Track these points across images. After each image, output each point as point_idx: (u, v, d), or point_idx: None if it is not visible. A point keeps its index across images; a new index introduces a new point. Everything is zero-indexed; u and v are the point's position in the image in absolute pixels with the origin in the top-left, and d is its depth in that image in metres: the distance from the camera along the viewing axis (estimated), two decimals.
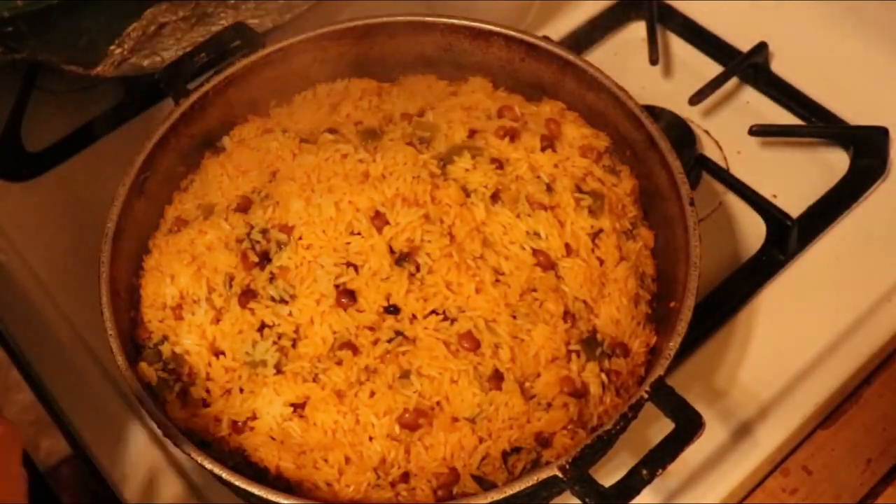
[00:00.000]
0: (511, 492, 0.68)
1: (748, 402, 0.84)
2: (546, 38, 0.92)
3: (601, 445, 0.70)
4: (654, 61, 1.07)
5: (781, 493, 0.83)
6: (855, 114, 1.01)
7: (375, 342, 0.75)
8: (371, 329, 0.76)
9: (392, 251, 0.77)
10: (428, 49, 0.93)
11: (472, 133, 0.85)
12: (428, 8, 1.04)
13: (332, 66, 0.93)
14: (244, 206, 0.83)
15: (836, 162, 0.99)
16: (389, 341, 0.75)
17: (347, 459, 0.73)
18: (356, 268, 0.77)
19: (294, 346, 0.76)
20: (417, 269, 0.77)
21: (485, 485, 0.73)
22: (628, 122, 0.86)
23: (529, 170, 0.82)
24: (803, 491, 0.83)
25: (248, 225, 0.81)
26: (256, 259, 0.79)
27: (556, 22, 1.10)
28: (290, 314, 0.77)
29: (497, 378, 0.74)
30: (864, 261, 0.92)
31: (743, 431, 0.83)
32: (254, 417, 0.75)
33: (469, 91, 0.91)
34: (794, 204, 0.94)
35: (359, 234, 0.78)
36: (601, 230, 0.81)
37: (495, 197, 0.80)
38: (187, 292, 0.79)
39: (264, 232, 0.80)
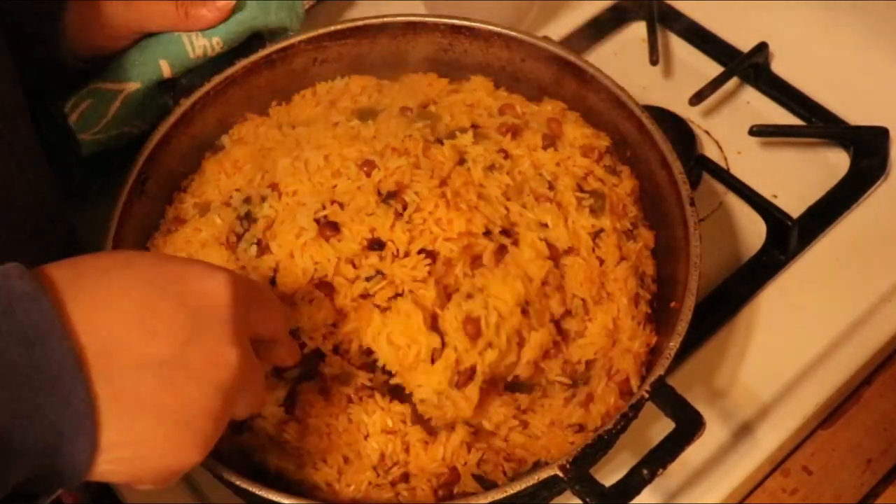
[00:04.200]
0: (512, 491, 0.68)
1: (748, 402, 0.84)
2: (546, 39, 0.92)
3: (602, 445, 0.70)
4: (654, 61, 1.07)
5: (781, 494, 0.83)
6: (855, 114, 1.01)
7: (354, 280, 0.74)
8: (353, 265, 0.74)
9: (380, 193, 0.76)
10: (428, 49, 0.93)
11: (475, 127, 0.85)
12: (428, 8, 1.05)
13: (332, 65, 0.93)
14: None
15: (836, 162, 0.99)
16: (368, 279, 0.74)
17: (346, 459, 0.73)
18: (341, 205, 0.76)
19: (273, 282, 0.76)
20: (405, 207, 0.75)
21: (485, 484, 0.73)
22: (628, 122, 0.86)
23: (532, 167, 0.82)
24: (803, 491, 0.83)
25: (236, 209, 0.81)
26: (236, 238, 0.79)
27: (556, 22, 1.10)
28: (270, 251, 0.76)
29: (468, 376, 0.73)
30: (864, 261, 0.92)
31: (743, 431, 0.83)
32: (252, 417, 0.75)
33: (470, 89, 0.91)
34: (794, 204, 0.94)
35: (346, 178, 0.78)
36: (602, 230, 0.81)
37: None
38: None
39: (248, 199, 0.80)
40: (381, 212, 0.75)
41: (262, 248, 0.77)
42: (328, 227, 0.75)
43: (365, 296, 0.74)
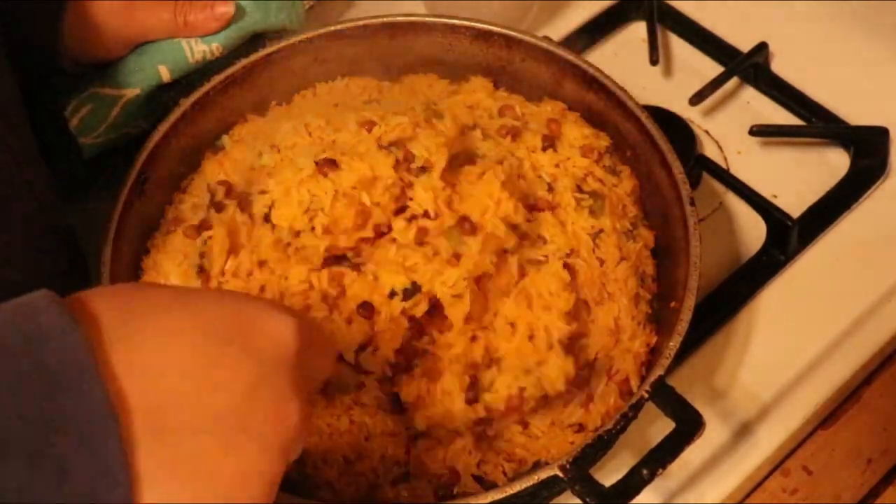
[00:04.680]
0: (511, 491, 0.68)
1: (748, 402, 0.84)
2: (546, 38, 0.92)
3: (602, 445, 0.70)
4: (654, 61, 1.07)
5: (781, 494, 0.83)
6: (855, 114, 1.01)
7: (391, 296, 0.73)
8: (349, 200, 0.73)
9: (381, 145, 0.76)
10: (428, 49, 0.93)
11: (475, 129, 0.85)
12: (428, 8, 1.05)
13: (332, 65, 0.93)
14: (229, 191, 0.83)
15: (836, 162, 0.99)
16: (405, 296, 0.72)
17: (347, 459, 0.73)
18: (341, 153, 0.76)
19: (266, 218, 0.76)
20: (407, 158, 0.75)
21: (485, 484, 0.73)
22: (628, 122, 0.86)
23: (531, 169, 0.82)
24: (803, 491, 0.83)
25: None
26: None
27: (556, 22, 1.10)
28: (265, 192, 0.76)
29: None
30: (864, 261, 0.92)
31: (743, 431, 0.83)
32: None
33: (470, 90, 0.91)
34: (794, 204, 0.94)
35: (347, 133, 0.77)
36: (601, 230, 0.81)
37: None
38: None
39: (229, 187, 0.81)
40: (381, 156, 0.74)
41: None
42: (326, 164, 0.74)
43: (404, 314, 0.73)
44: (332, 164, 0.74)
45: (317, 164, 0.74)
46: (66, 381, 0.43)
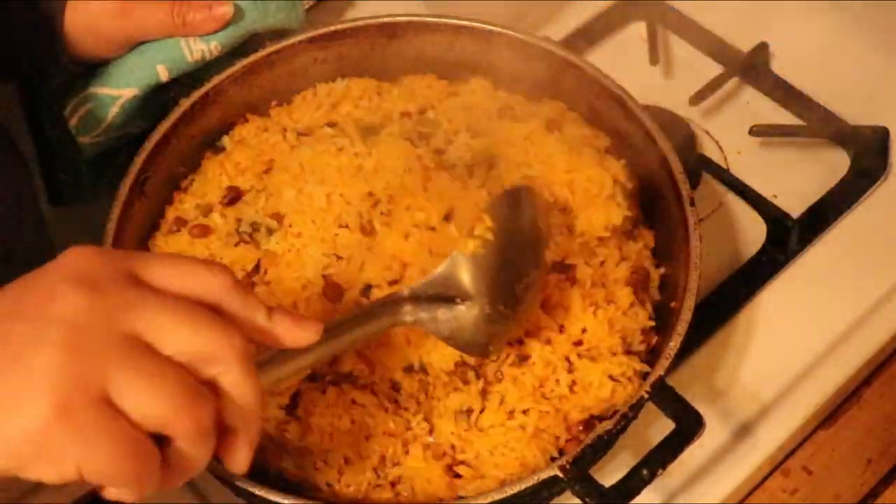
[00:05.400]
0: (511, 492, 0.68)
1: (748, 402, 0.84)
2: (546, 39, 0.92)
3: (601, 445, 0.70)
4: (654, 61, 1.07)
5: (781, 494, 0.83)
6: (855, 114, 1.01)
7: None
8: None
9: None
10: (428, 49, 0.93)
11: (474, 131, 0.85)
12: (428, 8, 1.05)
13: (332, 66, 0.93)
14: (234, 198, 0.84)
15: (836, 162, 0.99)
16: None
17: (347, 460, 0.73)
18: (339, 258, 0.77)
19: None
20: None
21: None
22: (628, 122, 0.86)
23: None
24: (803, 491, 0.83)
25: (238, 220, 0.82)
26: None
27: (556, 22, 1.10)
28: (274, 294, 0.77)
29: None
30: (864, 261, 0.92)
31: (743, 431, 0.83)
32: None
33: (469, 91, 0.91)
34: (794, 204, 0.94)
35: (346, 226, 0.78)
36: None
37: None
38: None
39: (254, 224, 0.81)
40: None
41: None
42: (331, 288, 0.76)
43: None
44: (337, 291, 0.76)
45: (325, 281, 0.76)
46: None
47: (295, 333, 0.55)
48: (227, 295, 0.52)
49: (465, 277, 0.68)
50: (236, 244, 0.81)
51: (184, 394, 0.48)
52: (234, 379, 0.50)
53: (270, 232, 0.80)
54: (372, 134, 0.85)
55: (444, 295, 0.67)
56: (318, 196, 0.79)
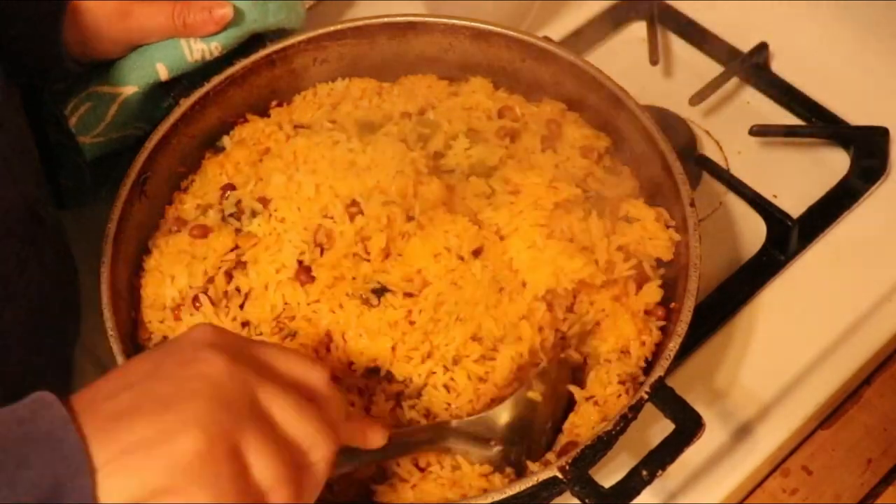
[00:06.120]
0: (511, 492, 0.68)
1: (748, 403, 0.84)
2: (546, 39, 0.92)
3: (601, 446, 0.70)
4: (654, 61, 1.07)
5: (781, 494, 0.83)
6: (855, 114, 1.01)
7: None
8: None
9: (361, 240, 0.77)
10: (428, 49, 0.93)
11: (473, 132, 0.85)
12: (428, 8, 1.05)
13: (332, 65, 0.93)
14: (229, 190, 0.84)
15: (836, 162, 0.99)
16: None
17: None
18: (321, 249, 0.77)
19: (241, 307, 0.77)
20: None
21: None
22: (628, 123, 0.86)
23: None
24: (803, 491, 0.83)
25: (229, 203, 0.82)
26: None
27: (556, 22, 1.10)
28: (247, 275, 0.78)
29: None
30: (864, 261, 0.92)
31: (743, 432, 0.83)
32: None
33: (469, 91, 0.91)
34: (794, 204, 0.94)
35: (331, 217, 0.78)
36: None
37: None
38: (187, 293, 0.79)
39: (239, 204, 0.81)
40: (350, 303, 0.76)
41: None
42: (304, 272, 0.77)
43: None
44: (308, 274, 0.76)
45: (299, 265, 0.77)
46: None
47: (367, 436, 0.64)
48: (323, 388, 0.60)
49: (504, 425, 0.74)
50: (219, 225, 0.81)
51: (292, 470, 0.55)
52: (323, 469, 0.57)
53: (254, 214, 0.80)
54: (369, 131, 0.85)
55: (482, 436, 0.73)
56: (307, 185, 0.79)
